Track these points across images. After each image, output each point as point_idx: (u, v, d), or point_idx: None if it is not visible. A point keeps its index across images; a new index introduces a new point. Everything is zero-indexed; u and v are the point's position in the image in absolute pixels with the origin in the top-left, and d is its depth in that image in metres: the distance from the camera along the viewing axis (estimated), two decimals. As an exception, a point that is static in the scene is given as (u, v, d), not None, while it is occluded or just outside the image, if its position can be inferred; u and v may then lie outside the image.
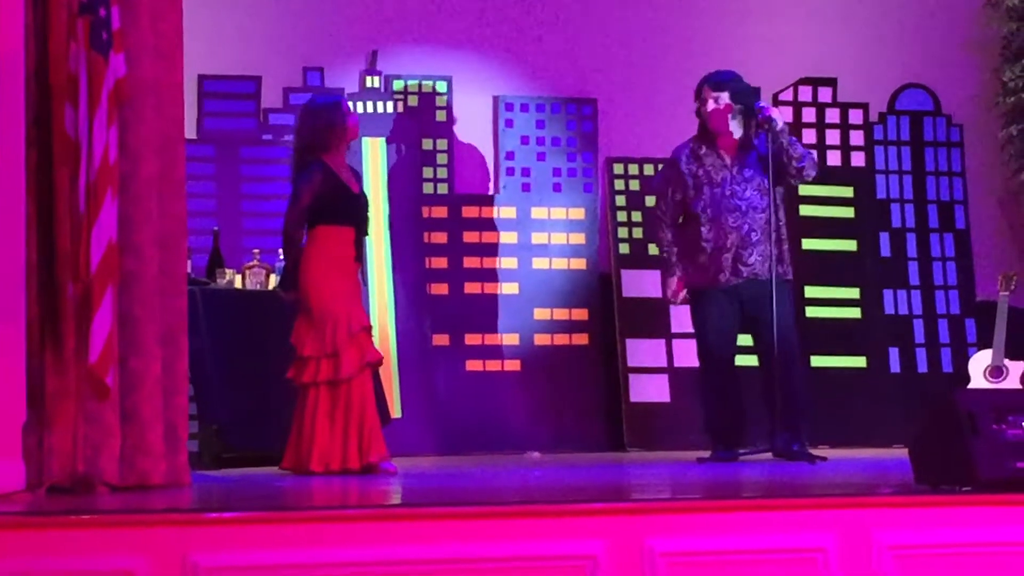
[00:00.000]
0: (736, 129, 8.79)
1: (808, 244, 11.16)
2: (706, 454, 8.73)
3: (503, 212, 11.05)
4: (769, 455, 8.60)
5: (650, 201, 11.01)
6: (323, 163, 8.11)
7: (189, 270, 7.62)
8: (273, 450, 8.31)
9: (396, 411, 10.06)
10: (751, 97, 8.94)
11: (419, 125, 10.94)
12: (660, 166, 10.87)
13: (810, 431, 8.90)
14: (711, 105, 8.78)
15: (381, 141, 10.73)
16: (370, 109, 10.67)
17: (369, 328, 8.13)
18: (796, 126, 11.31)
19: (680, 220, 8.92)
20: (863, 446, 10.32)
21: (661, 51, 11.23)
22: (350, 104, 8.90)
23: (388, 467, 7.91)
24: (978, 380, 9.90)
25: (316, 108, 8.31)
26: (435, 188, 10.96)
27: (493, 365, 10.86)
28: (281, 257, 9.44)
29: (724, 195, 8.72)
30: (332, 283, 8.01)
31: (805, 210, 11.09)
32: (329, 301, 7.95)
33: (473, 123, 11.14)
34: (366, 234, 8.31)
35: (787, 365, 8.69)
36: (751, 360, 9.11)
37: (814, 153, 9.11)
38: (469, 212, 11.00)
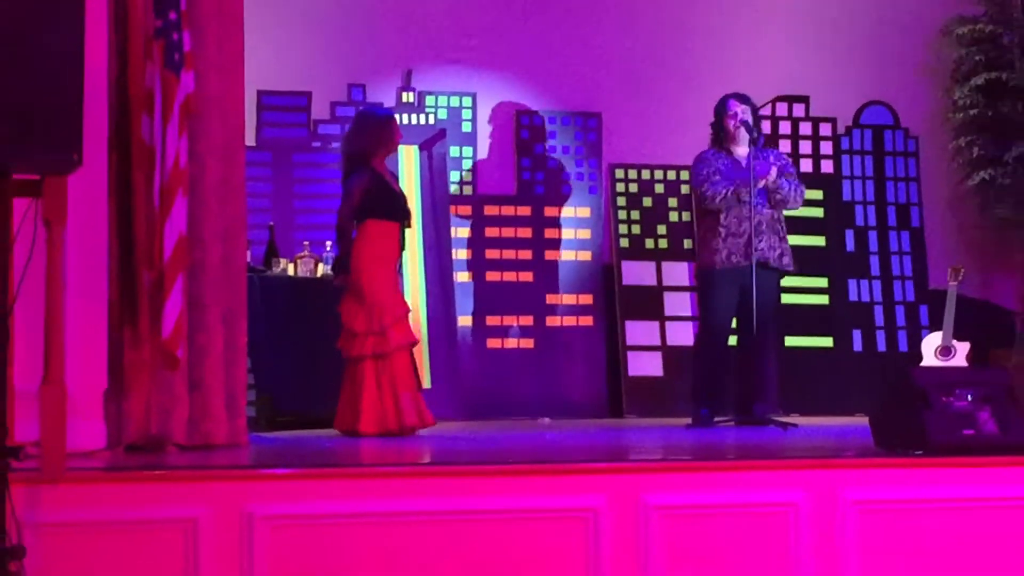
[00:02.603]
0: (748, 138, 8.80)
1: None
2: (694, 421, 8.74)
3: (520, 210, 11.03)
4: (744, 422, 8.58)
5: (647, 202, 11.04)
6: (371, 166, 8.10)
7: (248, 259, 7.61)
8: (320, 414, 8.31)
9: (426, 382, 10.06)
10: (758, 114, 9.01)
11: (447, 135, 10.93)
12: (655, 172, 10.91)
13: (781, 401, 8.90)
14: (739, 115, 8.80)
15: (415, 149, 10.72)
16: (405, 121, 10.65)
17: (408, 312, 8.14)
18: (773, 137, 11.30)
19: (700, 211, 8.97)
20: (829, 415, 10.29)
21: (657, 71, 11.20)
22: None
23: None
24: (930, 358, 9.88)
25: (372, 120, 8.28)
26: (461, 190, 10.95)
27: (510, 343, 10.86)
28: (329, 248, 9.45)
29: (739, 191, 8.71)
30: (379, 271, 8.00)
31: (781, 210, 11.10)
32: (378, 286, 7.94)
33: (494, 133, 11.13)
34: (409, 227, 8.29)
35: (768, 345, 8.73)
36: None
37: (800, 189, 9.01)
38: (490, 210, 10.99)
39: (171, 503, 4.81)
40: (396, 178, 8.56)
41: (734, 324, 8.83)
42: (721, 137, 8.96)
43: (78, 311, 5.81)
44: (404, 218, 8.17)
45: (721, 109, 8.97)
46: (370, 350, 7.86)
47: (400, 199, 8.21)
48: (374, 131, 8.20)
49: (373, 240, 8.02)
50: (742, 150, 8.88)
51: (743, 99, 8.94)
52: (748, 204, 8.66)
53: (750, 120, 8.82)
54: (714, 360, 8.79)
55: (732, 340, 8.87)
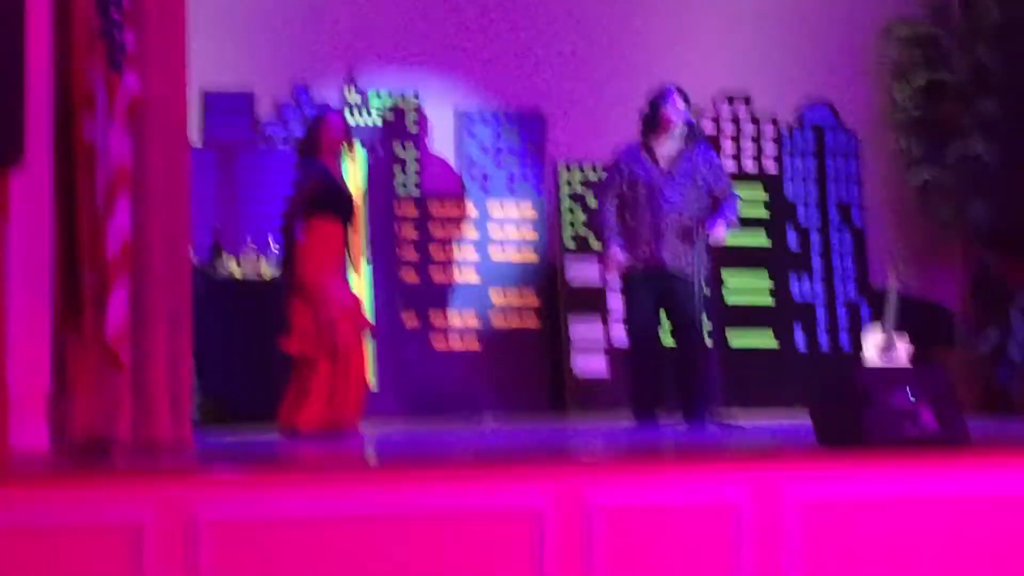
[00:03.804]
0: (678, 140, 8.62)
1: (728, 240, 11.18)
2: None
3: (465, 209, 11.03)
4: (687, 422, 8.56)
5: (592, 201, 11.02)
6: (320, 164, 8.10)
7: (193, 260, 7.58)
8: (264, 413, 8.26)
9: (371, 382, 10.03)
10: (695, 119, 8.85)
11: (392, 133, 10.93)
12: (599, 170, 10.87)
13: (725, 401, 8.84)
14: (679, 108, 8.60)
15: (359, 147, 10.69)
16: (349, 119, 10.63)
17: (359, 304, 8.14)
18: (717, 138, 11.36)
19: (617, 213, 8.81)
20: (774, 413, 10.31)
21: (601, 71, 11.23)
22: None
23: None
24: (871, 356, 9.93)
25: (310, 119, 8.36)
26: (406, 188, 10.94)
27: (456, 343, 10.85)
28: (273, 246, 9.41)
29: (653, 194, 8.57)
30: (324, 267, 7.99)
31: (725, 210, 11.11)
32: (322, 282, 7.93)
33: (439, 132, 11.13)
34: (352, 225, 8.28)
35: (700, 346, 8.60)
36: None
37: (735, 208, 8.90)
38: (435, 209, 10.98)
39: (115, 507, 4.77)
40: (342, 177, 8.54)
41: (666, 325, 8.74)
42: (652, 129, 8.69)
43: (21, 311, 5.77)
44: (348, 216, 8.16)
45: (660, 99, 8.62)
46: (320, 345, 7.84)
47: (346, 197, 8.21)
48: (308, 129, 8.33)
49: (318, 237, 8.02)
50: (669, 147, 8.69)
51: (687, 98, 8.71)
52: (657, 209, 8.52)
53: (691, 119, 8.67)
54: (645, 361, 8.66)
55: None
